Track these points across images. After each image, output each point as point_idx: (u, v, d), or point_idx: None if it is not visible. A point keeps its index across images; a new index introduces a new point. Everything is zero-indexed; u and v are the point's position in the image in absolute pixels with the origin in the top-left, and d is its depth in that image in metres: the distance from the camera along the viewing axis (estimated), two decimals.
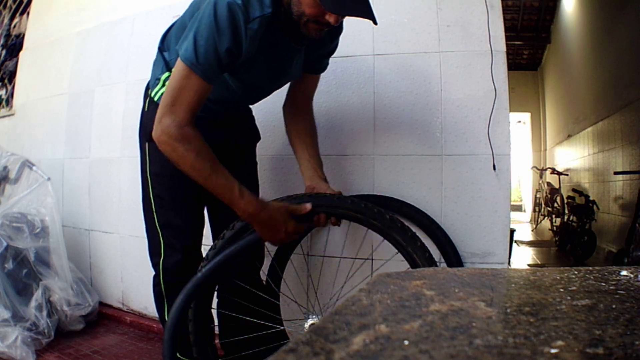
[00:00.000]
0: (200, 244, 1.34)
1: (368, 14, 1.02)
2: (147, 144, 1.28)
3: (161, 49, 1.27)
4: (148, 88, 1.32)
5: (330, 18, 1.01)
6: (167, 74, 1.22)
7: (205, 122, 1.19)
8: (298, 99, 1.35)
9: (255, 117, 1.50)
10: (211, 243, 1.44)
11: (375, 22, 1.04)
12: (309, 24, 1.04)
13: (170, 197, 1.27)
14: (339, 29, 1.26)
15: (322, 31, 1.07)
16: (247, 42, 1.03)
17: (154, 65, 1.30)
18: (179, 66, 1.05)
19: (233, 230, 1.19)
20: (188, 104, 1.04)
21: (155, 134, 1.05)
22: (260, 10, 1.01)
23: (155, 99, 1.26)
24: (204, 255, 1.36)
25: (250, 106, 1.48)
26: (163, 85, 1.23)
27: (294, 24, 1.06)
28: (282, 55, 1.17)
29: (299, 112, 1.35)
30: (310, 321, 1.35)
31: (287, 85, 1.36)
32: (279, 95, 1.37)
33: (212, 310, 1.44)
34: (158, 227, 1.27)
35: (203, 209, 1.37)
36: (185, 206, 1.29)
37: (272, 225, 1.10)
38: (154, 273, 1.31)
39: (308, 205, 1.13)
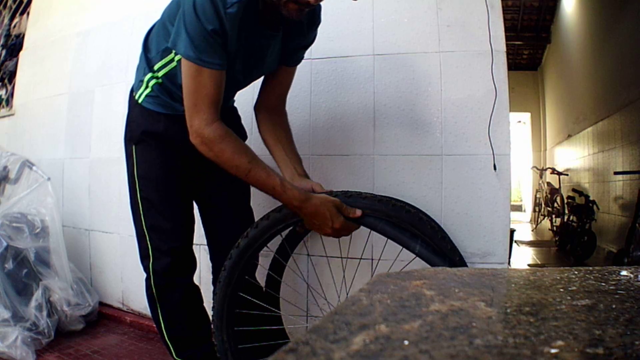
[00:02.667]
0: (190, 246, 1.33)
1: None
2: (133, 147, 1.28)
3: (144, 50, 1.27)
4: (132, 91, 1.32)
5: None
6: (149, 74, 1.22)
7: None
8: (273, 95, 1.32)
9: (249, 118, 1.50)
10: (205, 244, 1.44)
11: None
12: (288, 4, 1.02)
13: (157, 200, 1.26)
14: (316, 19, 1.25)
15: (302, 12, 1.05)
16: (229, 26, 1.03)
17: (138, 68, 1.30)
18: (185, 66, 1.05)
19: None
20: (209, 99, 1.05)
21: (191, 138, 1.07)
22: None
23: (140, 101, 1.26)
24: (195, 256, 1.36)
25: (242, 105, 1.47)
26: (146, 86, 1.24)
27: (272, 5, 1.05)
28: (258, 42, 1.15)
29: (274, 111, 1.32)
30: None
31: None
32: None
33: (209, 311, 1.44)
34: (145, 230, 1.27)
35: (192, 211, 1.36)
36: (172, 208, 1.28)
37: (318, 219, 1.10)
38: (145, 275, 1.31)
39: (358, 212, 1.11)
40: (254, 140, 1.65)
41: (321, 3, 1.11)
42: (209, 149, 1.06)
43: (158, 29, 1.21)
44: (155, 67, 1.21)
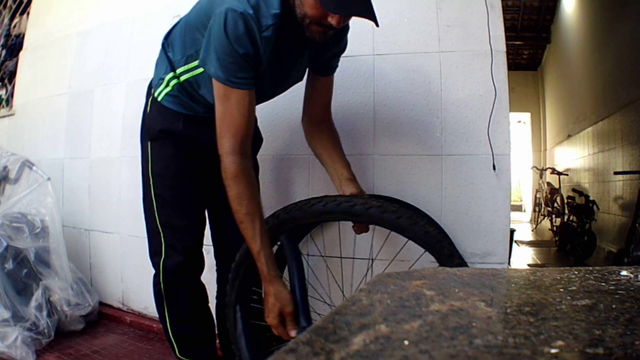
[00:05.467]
0: (201, 245, 1.34)
1: (370, 14, 1.01)
2: (149, 144, 1.28)
3: (165, 48, 1.27)
4: (151, 87, 1.31)
5: (333, 20, 1.00)
6: (171, 74, 1.22)
7: (209, 122, 1.19)
8: (316, 107, 1.32)
9: (258, 119, 1.50)
10: (211, 244, 1.45)
11: (377, 24, 1.03)
12: (311, 26, 1.03)
13: (172, 197, 1.27)
14: (346, 27, 1.24)
15: (326, 34, 1.05)
16: (263, 49, 1.04)
17: (157, 64, 1.30)
18: (216, 87, 1.06)
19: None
20: (234, 129, 1.05)
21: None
22: (272, 18, 1.02)
23: (159, 99, 1.26)
24: (204, 256, 1.37)
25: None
26: (167, 85, 1.23)
27: (297, 26, 1.05)
28: (285, 60, 1.16)
29: (320, 122, 1.32)
30: None
31: (300, 96, 1.33)
32: (281, 95, 1.37)
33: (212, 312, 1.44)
34: (159, 227, 1.27)
35: (204, 210, 1.37)
36: (187, 207, 1.29)
37: (265, 303, 1.09)
38: (154, 272, 1.31)
39: (292, 334, 1.08)
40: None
41: None
42: (224, 175, 1.07)
43: (183, 31, 1.20)
44: (178, 71, 1.20)
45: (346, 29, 1.25)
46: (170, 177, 1.26)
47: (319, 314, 1.54)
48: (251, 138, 1.11)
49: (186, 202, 1.28)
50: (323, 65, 1.27)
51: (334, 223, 1.62)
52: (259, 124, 1.50)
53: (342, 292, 1.57)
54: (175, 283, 1.29)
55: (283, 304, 1.07)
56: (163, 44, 1.27)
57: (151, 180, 1.28)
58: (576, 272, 0.54)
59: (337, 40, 1.24)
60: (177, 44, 1.21)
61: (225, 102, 1.05)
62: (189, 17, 1.19)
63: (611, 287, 0.47)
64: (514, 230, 3.98)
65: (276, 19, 1.02)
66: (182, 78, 1.20)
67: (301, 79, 1.28)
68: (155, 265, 1.30)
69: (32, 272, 1.89)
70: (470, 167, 1.50)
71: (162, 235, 1.27)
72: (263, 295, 1.11)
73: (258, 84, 1.15)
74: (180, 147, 1.25)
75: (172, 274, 1.28)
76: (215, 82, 1.05)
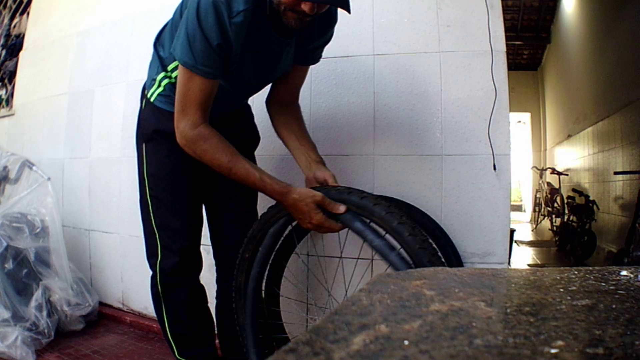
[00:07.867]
0: (198, 246, 1.33)
1: (341, 2, 1.02)
2: (144, 145, 1.29)
3: (156, 47, 1.27)
4: (145, 89, 1.32)
5: (306, 7, 1.00)
6: (162, 74, 1.22)
7: None
8: (286, 92, 1.32)
9: (255, 117, 1.50)
10: (209, 243, 1.45)
11: (348, 11, 1.04)
12: (287, 13, 1.03)
13: (167, 199, 1.27)
14: (332, 19, 1.23)
15: (301, 21, 1.05)
16: (234, 36, 1.04)
17: (150, 65, 1.30)
18: (180, 71, 1.08)
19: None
20: (197, 104, 1.07)
21: (177, 140, 1.11)
22: (244, 3, 1.01)
23: (152, 99, 1.26)
24: (202, 256, 1.37)
25: (250, 104, 1.47)
26: (159, 85, 1.23)
27: (275, 13, 1.05)
28: (270, 49, 1.15)
29: (286, 105, 1.32)
30: None
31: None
32: None
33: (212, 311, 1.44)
34: (155, 228, 1.27)
35: (201, 210, 1.37)
36: (182, 207, 1.28)
37: (297, 213, 1.09)
38: (151, 273, 1.31)
39: (342, 208, 1.06)
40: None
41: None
42: (193, 150, 1.10)
43: (171, 29, 1.20)
44: (169, 68, 1.21)
45: (333, 19, 1.24)
46: (165, 178, 1.26)
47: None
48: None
49: (181, 203, 1.28)
50: (307, 55, 1.26)
51: None
52: (257, 122, 1.51)
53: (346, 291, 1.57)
54: (173, 284, 1.29)
55: (311, 196, 1.07)
56: (155, 44, 1.28)
57: (146, 182, 1.28)
58: (576, 272, 0.54)
59: (324, 31, 1.24)
60: (167, 42, 1.22)
61: (189, 84, 1.07)
62: (174, 15, 1.20)
63: (611, 287, 0.47)
64: (514, 230, 3.98)
65: (248, 4, 1.02)
66: (174, 75, 1.20)
67: (287, 70, 1.26)
68: (152, 266, 1.30)
69: (32, 272, 1.89)
70: (470, 167, 1.50)
71: (157, 236, 1.27)
72: (289, 210, 1.10)
73: (238, 73, 1.14)
74: (173, 147, 1.25)
75: (169, 275, 1.28)
76: (180, 67, 1.07)
